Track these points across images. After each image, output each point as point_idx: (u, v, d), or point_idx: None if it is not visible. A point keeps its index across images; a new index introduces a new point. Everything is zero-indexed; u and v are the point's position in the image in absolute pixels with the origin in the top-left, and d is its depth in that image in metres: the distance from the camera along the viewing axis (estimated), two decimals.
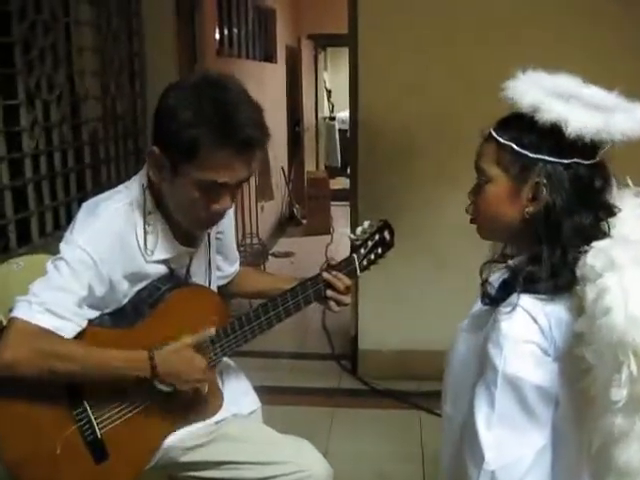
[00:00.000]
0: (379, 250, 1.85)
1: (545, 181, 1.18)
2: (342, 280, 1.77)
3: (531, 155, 1.19)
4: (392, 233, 1.88)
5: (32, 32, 2.82)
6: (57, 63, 3.02)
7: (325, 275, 1.76)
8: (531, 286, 1.19)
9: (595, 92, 1.22)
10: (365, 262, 1.84)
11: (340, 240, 6.51)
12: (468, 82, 2.71)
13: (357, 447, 3.12)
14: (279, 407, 2.78)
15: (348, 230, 1.86)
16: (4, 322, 1.62)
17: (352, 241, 1.85)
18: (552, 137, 1.17)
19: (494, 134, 1.25)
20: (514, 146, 1.21)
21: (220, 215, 1.63)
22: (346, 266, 1.80)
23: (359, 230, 1.86)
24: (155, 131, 1.57)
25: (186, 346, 1.61)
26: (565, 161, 1.18)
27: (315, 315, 4.72)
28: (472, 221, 1.34)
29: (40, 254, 2.11)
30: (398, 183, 3.46)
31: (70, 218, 3.01)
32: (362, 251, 1.83)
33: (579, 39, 3.21)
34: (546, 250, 1.19)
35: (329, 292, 1.77)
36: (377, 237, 1.85)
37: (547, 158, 1.18)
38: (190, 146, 1.47)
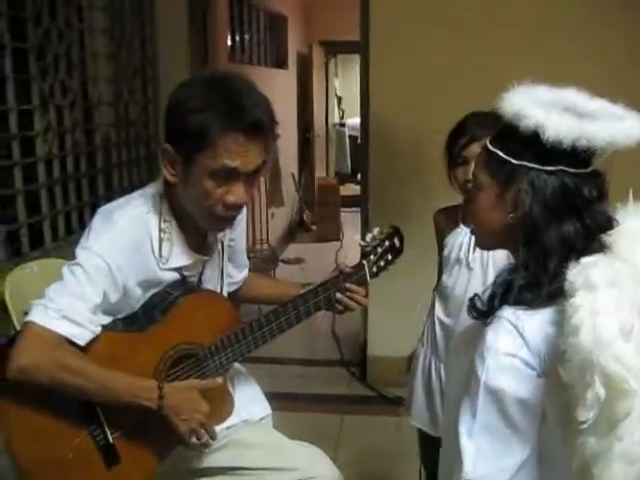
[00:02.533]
0: (389, 257, 1.86)
1: (527, 187, 1.18)
2: (358, 292, 1.79)
3: (514, 162, 1.19)
4: (402, 240, 1.89)
5: (47, 38, 2.86)
6: (71, 69, 3.05)
7: (339, 296, 1.78)
8: (511, 297, 1.18)
9: (587, 102, 1.21)
10: (375, 269, 1.84)
11: (350, 246, 6.52)
12: (481, 91, 2.69)
13: (366, 454, 3.12)
14: (288, 413, 2.77)
15: (358, 237, 1.87)
16: (17, 327, 1.64)
17: (362, 247, 1.86)
18: (534, 144, 1.16)
19: (487, 144, 1.27)
20: (500, 153, 1.22)
21: (236, 209, 1.62)
22: (356, 273, 1.81)
23: (369, 237, 1.86)
24: (166, 128, 1.59)
25: (193, 388, 1.62)
26: (549, 168, 1.17)
27: (324, 321, 4.73)
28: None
29: (53, 258, 2.13)
30: (408, 190, 3.47)
31: (82, 223, 3.05)
32: (372, 257, 1.83)
33: (591, 44, 3.22)
34: (525, 257, 1.19)
35: (343, 297, 1.78)
36: (387, 243, 1.85)
37: (530, 165, 1.18)
38: (199, 132, 1.49)
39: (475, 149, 1.86)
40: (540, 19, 3.31)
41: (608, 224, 1.18)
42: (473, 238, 1.96)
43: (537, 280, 1.17)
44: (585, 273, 1.08)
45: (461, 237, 2.03)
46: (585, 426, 1.04)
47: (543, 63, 2.99)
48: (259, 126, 1.52)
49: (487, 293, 1.26)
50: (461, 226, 2.05)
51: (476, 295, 1.27)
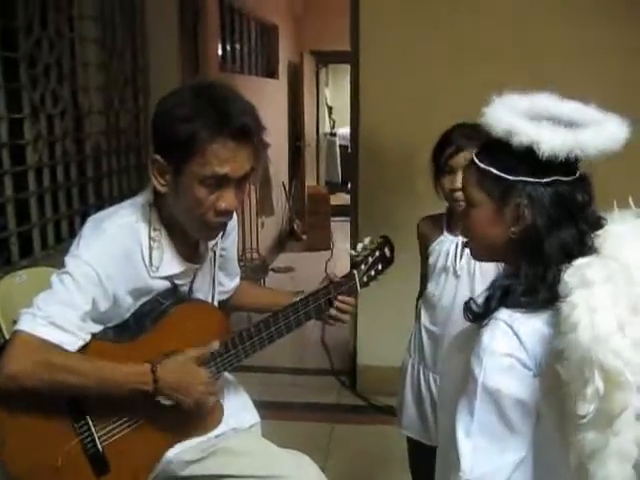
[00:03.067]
0: (379, 266, 1.87)
1: (526, 202, 1.21)
2: (348, 303, 1.80)
3: (511, 178, 1.22)
4: (392, 249, 1.90)
5: (38, 48, 2.86)
6: (62, 78, 3.05)
7: (330, 310, 1.80)
8: (508, 300, 1.22)
9: (568, 109, 1.24)
10: (365, 278, 1.85)
11: (340, 256, 6.53)
12: (471, 99, 2.71)
13: (356, 462, 3.12)
14: (278, 422, 2.77)
15: (348, 246, 1.88)
16: (7, 336, 1.64)
17: (353, 257, 1.87)
18: (528, 159, 1.19)
19: (475, 160, 1.29)
20: (493, 170, 1.24)
21: (226, 215, 1.62)
22: (347, 282, 1.82)
23: (360, 246, 1.87)
24: (154, 138, 1.60)
25: (189, 359, 1.63)
26: (545, 180, 1.20)
27: (314, 331, 4.73)
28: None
29: (42, 267, 2.13)
30: (398, 199, 3.48)
31: (72, 231, 3.04)
32: (363, 267, 1.84)
33: (588, 50, 3.25)
34: (526, 267, 1.22)
35: (333, 308, 1.79)
36: (378, 253, 1.87)
37: (526, 179, 1.21)
38: (188, 141, 1.50)
39: (461, 159, 1.90)
40: (532, 27, 3.34)
41: (598, 224, 1.21)
42: (460, 246, 1.99)
43: (535, 287, 1.20)
44: (580, 272, 1.12)
45: (447, 245, 2.05)
46: (585, 420, 1.06)
47: (535, 71, 3.02)
48: (247, 131, 1.53)
49: (482, 296, 1.28)
50: (445, 234, 2.07)
51: (471, 299, 1.30)
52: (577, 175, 1.22)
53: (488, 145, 1.28)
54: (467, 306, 1.30)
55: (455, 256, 2.02)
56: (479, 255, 1.39)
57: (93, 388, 1.56)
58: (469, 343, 1.29)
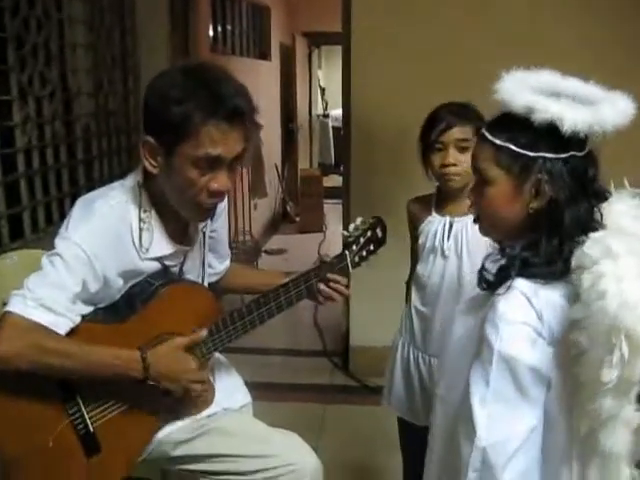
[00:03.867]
0: (371, 247, 1.87)
1: (546, 177, 1.22)
2: (339, 282, 1.81)
3: (531, 154, 1.23)
4: (384, 230, 1.90)
5: (25, 28, 2.82)
6: (50, 60, 3.02)
7: (321, 287, 1.79)
8: (526, 270, 1.24)
9: (577, 85, 1.27)
10: (357, 259, 1.85)
11: (333, 237, 6.54)
12: (462, 81, 2.73)
13: (348, 442, 3.14)
14: (270, 403, 2.79)
15: (341, 228, 1.89)
16: None
17: (345, 238, 1.87)
18: (549, 135, 1.21)
19: (489, 136, 1.28)
20: (512, 147, 1.25)
21: (219, 197, 1.63)
22: (338, 263, 1.82)
23: (352, 227, 1.87)
24: (145, 120, 1.60)
25: (178, 346, 1.63)
26: (563, 155, 1.22)
27: (307, 312, 4.74)
28: (475, 221, 1.38)
29: (33, 249, 2.12)
30: (391, 181, 3.47)
31: (63, 213, 3.03)
32: (354, 248, 1.84)
33: (588, 32, 3.24)
34: (545, 240, 1.24)
35: (325, 287, 1.79)
36: (369, 234, 1.86)
37: (546, 155, 1.23)
38: (181, 122, 1.50)
39: (454, 134, 1.93)
40: (530, 7, 3.32)
41: (604, 197, 1.25)
42: (447, 226, 2.00)
43: (552, 259, 1.23)
44: (604, 244, 1.15)
45: (435, 225, 2.05)
46: (610, 386, 1.10)
47: (531, 53, 3.00)
48: (240, 112, 1.53)
49: (494, 266, 1.31)
50: (434, 214, 2.07)
51: (484, 267, 1.32)
52: (587, 150, 1.25)
53: (501, 121, 1.29)
54: (481, 275, 1.32)
55: (443, 236, 2.02)
56: (491, 232, 1.39)
57: (83, 372, 1.56)
58: (477, 310, 1.33)
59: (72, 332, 1.56)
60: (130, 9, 3.82)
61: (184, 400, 1.70)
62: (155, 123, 1.57)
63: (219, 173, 1.57)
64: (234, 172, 1.63)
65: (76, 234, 1.57)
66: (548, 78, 1.28)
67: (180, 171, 1.55)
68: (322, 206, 7.91)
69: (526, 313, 1.21)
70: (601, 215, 1.22)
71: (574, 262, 1.18)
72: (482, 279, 1.32)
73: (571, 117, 1.18)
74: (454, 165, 1.94)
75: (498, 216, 1.31)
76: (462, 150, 1.93)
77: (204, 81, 1.53)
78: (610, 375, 1.10)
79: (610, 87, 1.26)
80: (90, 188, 1.73)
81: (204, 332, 1.67)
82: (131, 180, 1.69)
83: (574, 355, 1.15)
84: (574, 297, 1.18)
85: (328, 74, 11.31)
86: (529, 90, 1.23)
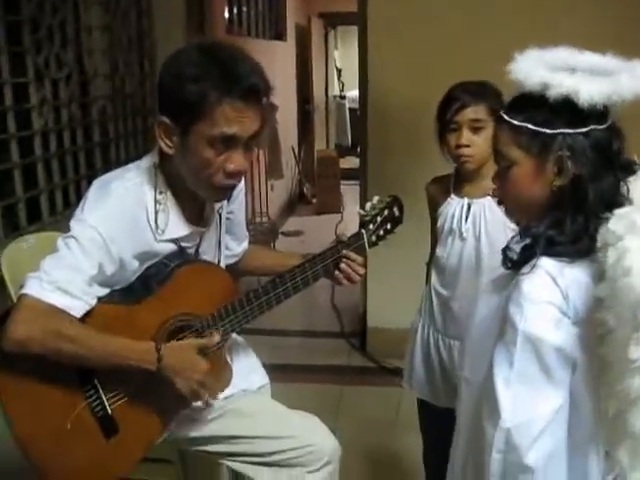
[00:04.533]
0: (388, 226, 1.86)
1: (568, 153, 1.20)
2: (356, 261, 1.79)
3: (549, 131, 1.21)
4: (401, 209, 1.88)
5: (40, 11, 2.82)
6: (65, 42, 3.02)
7: (342, 266, 1.78)
8: (551, 249, 1.22)
9: (594, 58, 1.24)
10: (374, 238, 1.84)
11: (350, 219, 6.50)
12: (480, 60, 2.70)
13: (365, 424, 3.14)
14: (288, 384, 2.79)
15: (358, 209, 1.88)
16: (14, 298, 1.64)
17: (361, 217, 1.86)
18: (566, 110, 1.19)
19: (506, 117, 1.27)
20: (530, 126, 1.23)
21: (236, 177, 1.61)
22: (355, 242, 1.81)
23: (368, 206, 1.86)
24: (160, 99, 1.59)
25: (193, 346, 1.63)
26: (583, 130, 1.20)
27: (324, 293, 4.74)
28: (499, 203, 1.37)
29: (50, 232, 2.12)
30: (408, 162, 3.45)
31: (80, 196, 3.03)
32: (371, 227, 1.83)
33: (598, 19, 3.18)
34: (570, 217, 1.22)
35: (342, 266, 1.78)
36: (386, 213, 1.85)
37: (565, 131, 1.20)
38: (197, 101, 1.49)
39: (467, 114, 1.90)
40: None
41: (631, 169, 1.23)
42: (465, 208, 1.98)
43: (578, 236, 1.21)
44: (629, 219, 1.13)
45: (453, 207, 2.02)
46: (638, 364, 1.07)
47: (547, 33, 2.96)
48: (255, 91, 1.52)
49: (520, 245, 1.29)
50: (452, 196, 2.04)
51: (508, 247, 1.30)
52: (610, 122, 1.22)
53: (518, 101, 1.27)
54: (505, 254, 1.30)
55: (461, 218, 2.00)
56: (516, 214, 1.37)
57: (96, 361, 1.56)
58: (500, 291, 1.31)
59: (88, 314, 1.56)
60: None
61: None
62: (170, 102, 1.56)
63: (235, 153, 1.56)
64: (250, 152, 1.62)
65: (92, 216, 1.56)
66: (564, 54, 1.26)
67: (196, 151, 1.55)
68: (339, 187, 7.89)
69: (551, 292, 1.20)
70: (628, 189, 1.20)
71: (599, 239, 1.16)
72: (506, 258, 1.30)
73: (587, 89, 1.16)
74: (467, 146, 1.91)
75: (523, 197, 1.29)
76: (475, 131, 1.91)
77: (219, 59, 1.52)
78: (637, 352, 1.07)
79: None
80: (107, 170, 1.72)
81: (217, 336, 1.67)
82: (147, 161, 1.68)
83: (600, 335, 1.13)
84: (600, 275, 1.15)
85: (344, 55, 11.23)
86: (543, 67, 1.21)
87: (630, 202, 1.18)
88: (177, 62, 1.56)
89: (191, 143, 1.54)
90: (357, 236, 1.81)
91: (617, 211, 1.16)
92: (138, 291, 1.65)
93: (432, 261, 2.15)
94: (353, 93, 9.79)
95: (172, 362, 1.58)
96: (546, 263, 1.21)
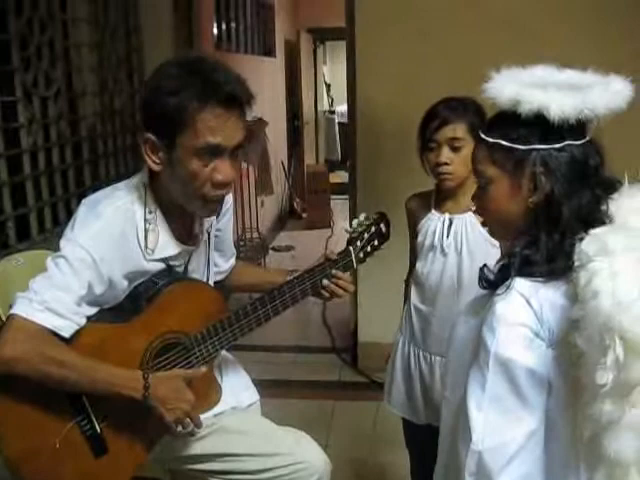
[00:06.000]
0: (375, 242, 1.87)
1: (542, 169, 1.20)
2: (343, 279, 1.80)
3: (522, 147, 1.21)
4: (388, 225, 1.90)
5: (29, 29, 2.83)
6: (54, 59, 3.03)
7: (325, 282, 1.78)
8: (526, 269, 1.20)
9: (570, 74, 1.24)
10: (362, 254, 1.85)
11: (340, 234, 6.51)
12: (467, 76, 2.71)
13: (357, 439, 3.13)
14: (280, 400, 2.79)
15: (347, 223, 1.89)
16: (3, 318, 1.63)
17: (349, 234, 1.87)
18: (538, 126, 1.19)
19: (483, 136, 1.28)
20: (504, 142, 1.23)
21: (224, 188, 1.61)
22: (343, 259, 1.82)
23: (355, 223, 1.87)
24: (143, 116, 1.60)
25: (179, 377, 1.63)
26: (557, 145, 1.20)
27: (315, 309, 4.74)
28: (483, 224, 1.36)
29: (39, 250, 2.12)
30: (397, 176, 3.46)
31: (69, 214, 3.03)
32: (358, 243, 1.84)
33: (585, 34, 3.21)
34: (544, 235, 1.20)
35: (325, 282, 1.78)
36: (373, 229, 1.86)
37: (538, 147, 1.20)
38: (177, 113, 1.49)
39: (446, 133, 1.91)
40: (532, 3, 3.30)
41: (613, 187, 1.21)
42: (446, 223, 1.98)
43: (553, 256, 1.19)
44: (601, 240, 1.11)
45: (434, 223, 2.02)
46: (606, 389, 1.05)
47: (533, 48, 2.98)
48: (235, 97, 1.53)
49: (496, 265, 1.28)
50: (433, 212, 2.04)
51: (485, 266, 1.30)
52: (587, 138, 1.22)
53: (494, 119, 1.28)
54: (482, 274, 1.30)
55: (442, 234, 2.00)
56: (498, 233, 1.37)
57: (83, 386, 1.55)
58: (478, 311, 1.30)
59: (77, 333, 1.56)
60: (134, 7, 3.82)
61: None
62: (152, 117, 1.56)
63: (221, 163, 1.56)
64: (237, 162, 1.63)
65: (82, 236, 1.56)
66: (540, 72, 1.25)
67: (183, 164, 1.55)
68: (329, 202, 7.90)
69: (524, 314, 1.18)
70: (607, 206, 1.18)
71: (575, 259, 1.14)
72: (482, 278, 1.29)
73: (557, 104, 1.15)
74: (446, 164, 1.92)
75: (501, 215, 1.29)
76: (455, 149, 1.91)
77: (198, 70, 1.53)
78: (605, 378, 1.05)
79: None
80: (96, 188, 1.72)
81: (204, 368, 1.67)
82: (137, 180, 1.68)
83: (574, 357, 1.11)
84: (574, 296, 1.14)
85: (333, 70, 11.29)
86: (516, 84, 1.21)
87: (611, 220, 1.16)
88: (156, 77, 1.57)
89: (177, 157, 1.55)
90: (345, 253, 1.83)
91: (592, 231, 1.14)
92: (127, 310, 1.65)
93: (411, 277, 2.15)
94: (342, 108, 9.83)
95: (159, 392, 1.57)
96: (520, 284, 1.20)
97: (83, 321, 1.57)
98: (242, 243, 5.69)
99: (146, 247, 1.63)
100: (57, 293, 1.52)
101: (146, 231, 1.63)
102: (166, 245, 1.67)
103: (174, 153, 1.55)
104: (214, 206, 1.69)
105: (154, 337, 1.63)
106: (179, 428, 1.64)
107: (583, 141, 1.21)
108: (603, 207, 1.19)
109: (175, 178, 1.59)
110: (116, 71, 3.67)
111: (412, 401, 2.12)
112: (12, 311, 1.50)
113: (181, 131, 1.51)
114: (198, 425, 1.66)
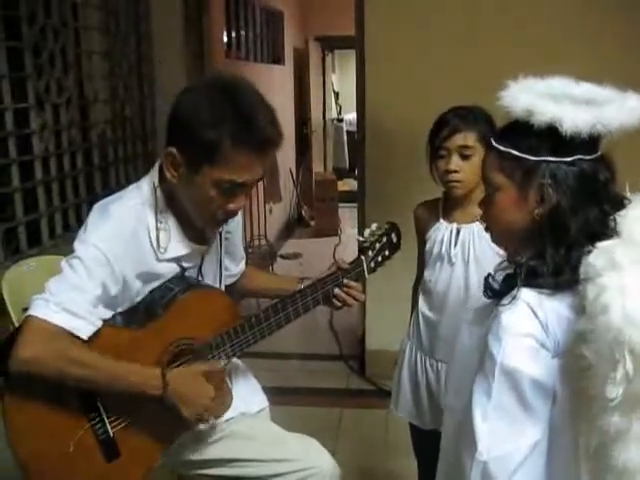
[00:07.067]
0: (386, 252, 1.88)
1: (550, 181, 1.19)
2: (355, 288, 1.81)
3: (532, 158, 1.21)
4: (399, 235, 1.91)
5: (42, 37, 2.85)
6: (66, 67, 3.05)
7: (337, 291, 1.80)
8: (532, 280, 1.20)
9: (586, 88, 1.24)
10: (373, 264, 1.87)
11: (348, 241, 6.53)
12: (476, 84, 2.73)
13: (365, 446, 3.13)
14: (288, 407, 2.79)
15: (355, 231, 1.90)
16: (16, 323, 1.65)
17: (360, 243, 1.88)
18: (550, 138, 1.18)
19: (494, 143, 1.27)
20: (514, 152, 1.22)
21: (234, 214, 1.65)
22: (354, 268, 1.83)
23: (367, 232, 1.88)
24: (172, 133, 1.59)
25: (198, 372, 1.64)
26: (567, 159, 1.19)
27: (323, 316, 4.73)
28: (487, 229, 1.36)
29: (50, 255, 2.13)
30: (405, 185, 3.46)
31: (79, 219, 3.05)
32: (370, 253, 1.86)
33: (585, 37, 3.22)
34: (551, 248, 1.20)
35: (337, 291, 1.79)
36: (385, 239, 1.87)
37: (549, 159, 1.20)
38: (211, 147, 1.50)
39: (457, 140, 1.91)
40: (539, 12, 3.31)
41: (621, 204, 1.20)
42: (454, 233, 1.99)
43: (559, 268, 1.19)
44: (608, 255, 1.11)
45: (442, 232, 2.03)
46: (615, 403, 1.06)
47: (547, 60, 2.99)
48: (270, 143, 1.55)
49: (503, 274, 1.28)
50: (441, 220, 2.05)
51: (490, 275, 1.30)
52: (599, 154, 1.21)
53: (507, 128, 1.27)
54: (487, 283, 1.30)
55: (450, 243, 2.01)
56: (501, 241, 1.37)
57: (102, 385, 1.57)
58: (483, 320, 1.30)
59: (93, 336, 1.57)
60: (145, 15, 3.85)
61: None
62: (184, 140, 1.56)
63: (239, 195, 1.60)
64: (252, 189, 1.66)
65: (94, 236, 1.58)
66: (557, 84, 1.25)
67: (201, 188, 1.57)
68: (337, 210, 7.91)
69: (530, 325, 1.18)
70: (615, 222, 1.17)
71: (581, 272, 1.14)
72: (487, 287, 1.30)
73: (571, 117, 1.15)
74: (455, 172, 1.92)
75: (505, 223, 1.28)
76: (464, 157, 1.91)
77: (236, 106, 1.52)
78: (614, 392, 1.05)
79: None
80: (107, 194, 1.73)
81: (221, 361, 1.69)
82: (147, 182, 1.69)
83: (581, 368, 1.11)
84: (580, 308, 1.14)
85: (342, 78, 11.32)
86: (530, 94, 1.20)
87: (618, 236, 1.15)
88: (194, 101, 1.56)
89: (197, 180, 1.56)
90: (356, 262, 1.84)
91: (600, 244, 1.14)
92: (142, 315, 1.66)
93: (419, 284, 2.16)
94: (351, 116, 9.87)
95: (178, 388, 1.58)
96: (526, 294, 1.20)
97: (99, 323, 1.58)
98: (250, 250, 5.71)
99: (158, 246, 1.64)
100: (73, 293, 1.53)
101: (157, 230, 1.65)
102: (178, 244, 1.68)
103: (195, 176, 1.56)
104: (220, 225, 1.72)
105: (169, 343, 1.65)
106: (198, 425, 1.65)
107: (594, 156, 1.20)
108: (611, 223, 1.18)
109: (188, 195, 1.62)
110: (127, 78, 3.70)
111: (419, 407, 2.13)
112: (29, 313, 1.52)
113: (210, 163, 1.53)
114: (218, 417, 1.69)
